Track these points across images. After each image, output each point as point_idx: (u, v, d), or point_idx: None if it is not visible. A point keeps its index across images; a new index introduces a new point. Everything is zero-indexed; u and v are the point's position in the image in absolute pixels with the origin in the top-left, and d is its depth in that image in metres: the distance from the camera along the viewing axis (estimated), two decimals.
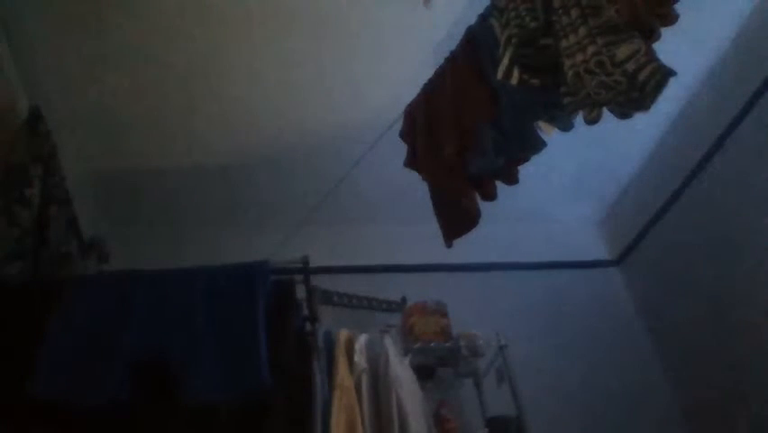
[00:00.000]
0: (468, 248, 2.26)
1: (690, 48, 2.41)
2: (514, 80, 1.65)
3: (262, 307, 1.79)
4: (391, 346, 2.14)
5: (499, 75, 1.68)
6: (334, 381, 1.89)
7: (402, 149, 2.30)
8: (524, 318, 2.96)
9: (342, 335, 2.08)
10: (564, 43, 1.47)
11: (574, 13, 1.46)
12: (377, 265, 3.08)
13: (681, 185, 2.98)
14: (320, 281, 2.27)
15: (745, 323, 2.60)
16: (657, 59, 1.37)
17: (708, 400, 2.78)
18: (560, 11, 1.51)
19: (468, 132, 1.94)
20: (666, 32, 1.42)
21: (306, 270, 2.05)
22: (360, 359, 2.02)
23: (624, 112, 1.49)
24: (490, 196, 2.05)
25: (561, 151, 2.20)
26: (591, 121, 1.54)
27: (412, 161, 2.28)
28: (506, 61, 1.66)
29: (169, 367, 1.65)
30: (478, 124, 1.90)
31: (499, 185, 2.05)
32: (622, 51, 1.36)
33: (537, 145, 1.91)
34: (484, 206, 2.04)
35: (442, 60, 2.10)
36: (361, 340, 2.10)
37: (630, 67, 1.35)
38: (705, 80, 2.75)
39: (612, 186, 3.37)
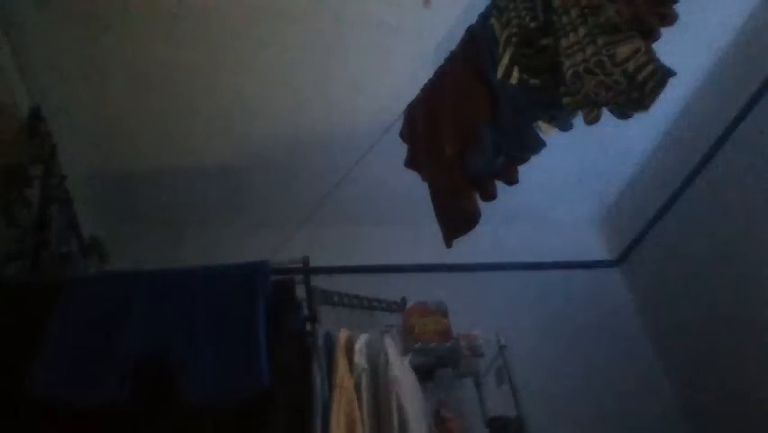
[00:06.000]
0: (468, 248, 2.26)
1: (690, 48, 2.40)
2: (513, 80, 1.64)
3: (262, 307, 1.79)
4: (391, 346, 2.13)
5: (499, 74, 1.68)
6: (334, 381, 1.89)
7: (402, 149, 2.30)
8: (524, 319, 2.96)
9: (342, 335, 2.08)
10: (564, 43, 1.47)
11: (574, 12, 1.46)
12: (377, 265, 3.08)
13: (681, 185, 2.98)
14: (320, 281, 2.27)
15: (745, 323, 2.60)
16: (657, 59, 1.37)
17: (708, 400, 2.78)
18: (559, 10, 1.51)
19: (468, 132, 1.94)
20: (666, 32, 1.42)
21: (306, 270, 2.04)
22: (360, 359, 2.01)
23: (623, 112, 1.49)
24: (490, 196, 2.04)
25: (560, 151, 2.19)
26: (591, 121, 1.54)
27: (412, 161, 2.28)
28: (505, 61, 1.66)
29: (169, 367, 1.65)
30: (478, 124, 1.90)
31: (499, 185, 2.05)
32: (622, 51, 1.36)
33: (537, 145, 1.90)
34: (484, 206, 2.04)
35: (442, 60, 2.10)
36: (361, 340, 2.10)
37: (630, 67, 1.35)
38: (705, 80, 2.75)
39: (612, 186, 3.37)
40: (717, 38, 2.59)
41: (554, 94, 1.57)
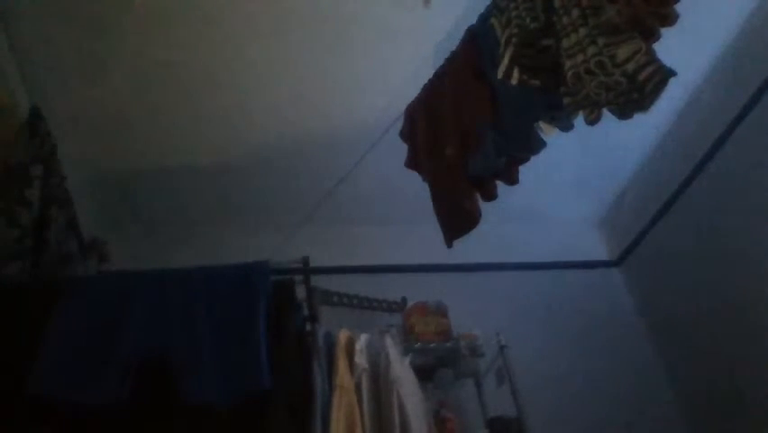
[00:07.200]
0: (468, 248, 2.26)
1: (690, 48, 2.40)
2: (514, 80, 1.64)
3: (262, 307, 1.79)
4: (391, 346, 2.13)
5: (500, 75, 1.68)
6: (335, 381, 1.89)
7: (402, 149, 2.30)
8: (524, 318, 2.96)
9: (343, 335, 2.08)
10: (565, 44, 1.47)
11: (575, 13, 1.46)
12: (377, 265, 3.08)
13: (680, 185, 2.98)
14: (320, 281, 2.27)
15: (744, 323, 2.60)
16: (657, 60, 1.37)
17: (708, 400, 2.78)
18: (560, 11, 1.51)
19: (468, 132, 1.94)
20: (666, 32, 1.42)
21: (306, 270, 2.05)
22: (360, 359, 2.01)
23: (624, 112, 1.49)
24: (491, 196, 2.05)
25: (561, 151, 2.19)
26: (592, 121, 1.55)
27: (412, 162, 2.28)
28: (506, 61, 1.66)
29: (169, 367, 1.65)
30: (478, 124, 1.90)
31: (500, 185, 2.05)
32: (622, 52, 1.36)
33: (537, 146, 1.90)
34: (484, 206, 2.04)
35: (442, 60, 2.10)
36: (362, 340, 2.10)
37: (630, 67, 1.35)
38: (705, 80, 2.75)
39: (612, 186, 3.37)
40: (717, 38, 2.59)
41: (555, 94, 1.57)
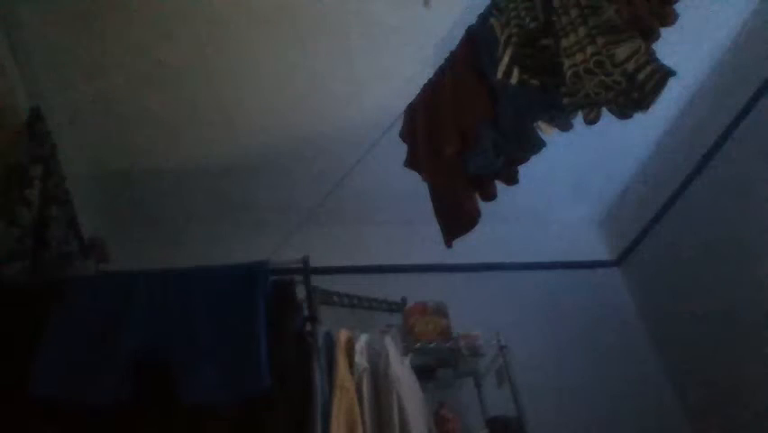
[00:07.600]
0: (468, 248, 2.26)
1: (690, 48, 2.41)
2: (513, 80, 1.64)
3: (262, 307, 1.79)
4: (391, 347, 2.13)
5: (499, 74, 1.68)
6: (335, 381, 1.89)
7: (402, 149, 2.30)
8: (524, 318, 2.96)
9: (343, 335, 2.08)
10: (564, 43, 1.47)
11: (574, 12, 1.46)
12: (377, 265, 3.08)
13: (681, 185, 2.99)
14: (320, 281, 2.27)
15: (745, 323, 2.60)
16: (657, 60, 1.37)
17: (708, 400, 2.78)
18: (559, 10, 1.51)
19: (468, 132, 1.94)
20: (666, 32, 1.42)
21: (306, 270, 2.05)
22: (360, 359, 2.01)
23: (623, 112, 1.49)
24: (490, 196, 2.05)
25: (560, 151, 2.20)
26: (591, 121, 1.55)
27: (412, 162, 2.28)
28: (506, 61, 1.66)
29: (169, 367, 1.65)
30: (478, 123, 1.90)
31: (499, 185, 2.05)
32: (622, 51, 1.36)
33: (537, 145, 1.90)
34: (484, 206, 2.04)
35: (442, 60, 2.11)
36: (362, 340, 2.10)
37: (630, 67, 1.35)
38: (705, 80, 2.75)
39: (612, 186, 3.37)
40: (717, 38, 2.59)
41: (554, 94, 1.57)
